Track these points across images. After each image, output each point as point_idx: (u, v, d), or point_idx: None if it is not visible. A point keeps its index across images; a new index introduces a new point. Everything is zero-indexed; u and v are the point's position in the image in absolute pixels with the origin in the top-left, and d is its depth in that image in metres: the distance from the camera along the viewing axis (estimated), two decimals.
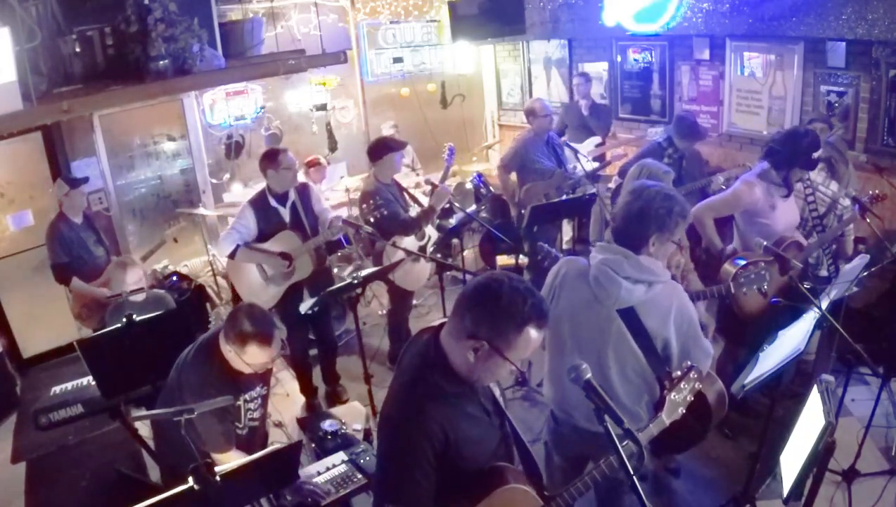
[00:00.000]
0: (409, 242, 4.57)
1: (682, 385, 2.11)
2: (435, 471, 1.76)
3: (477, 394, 1.89)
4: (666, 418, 2.08)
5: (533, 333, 1.72)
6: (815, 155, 3.37)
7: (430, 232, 4.71)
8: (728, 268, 3.59)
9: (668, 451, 2.93)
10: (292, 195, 4.21)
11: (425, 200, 4.67)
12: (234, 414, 2.73)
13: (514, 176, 5.57)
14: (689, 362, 2.19)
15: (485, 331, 1.70)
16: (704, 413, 2.53)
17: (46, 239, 4.51)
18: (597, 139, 6.37)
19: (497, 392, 2.00)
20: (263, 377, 2.91)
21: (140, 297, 3.81)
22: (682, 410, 2.10)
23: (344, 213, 5.74)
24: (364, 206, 4.27)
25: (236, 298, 4.88)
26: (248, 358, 2.60)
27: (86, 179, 4.78)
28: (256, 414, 2.89)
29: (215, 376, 2.65)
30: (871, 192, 3.78)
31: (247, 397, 2.79)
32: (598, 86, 7.11)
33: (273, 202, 4.17)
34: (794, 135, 3.45)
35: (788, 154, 3.40)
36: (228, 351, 2.63)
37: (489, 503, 1.82)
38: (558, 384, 2.53)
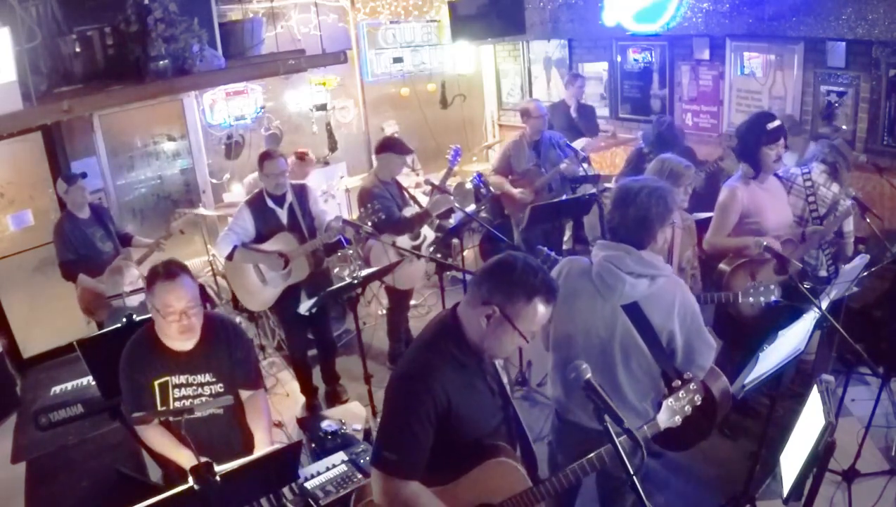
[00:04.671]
0: (403, 241, 4.56)
1: (680, 394, 2.09)
2: (433, 429, 1.87)
3: (484, 371, 2.01)
4: (661, 424, 2.08)
5: (540, 306, 1.86)
6: (771, 125, 3.42)
7: (426, 232, 4.70)
8: (723, 267, 3.59)
9: (672, 448, 2.93)
10: (290, 197, 4.21)
11: (424, 200, 4.66)
12: (150, 392, 2.55)
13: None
14: (689, 373, 2.16)
15: (498, 298, 1.85)
16: (710, 408, 2.51)
17: (53, 237, 4.57)
18: (584, 141, 6.35)
19: (505, 379, 2.08)
20: (216, 370, 2.62)
21: (137, 300, 3.80)
22: (678, 418, 2.08)
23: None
24: (362, 209, 4.25)
25: (236, 297, 4.88)
26: (156, 301, 2.47)
27: (83, 175, 4.79)
28: (196, 402, 2.56)
29: (144, 346, 2.56)
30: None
31: (181, 380, 2.58)
32: (598, 86, 7.11)
33: (270, 203, 4.17)
34: (742, 126, 3.61)
35: (748, 139, 3.52)
36: (151, 309, 2.53)
37: (478, 473, 1.92)
38: (562, 383, 2.54)
